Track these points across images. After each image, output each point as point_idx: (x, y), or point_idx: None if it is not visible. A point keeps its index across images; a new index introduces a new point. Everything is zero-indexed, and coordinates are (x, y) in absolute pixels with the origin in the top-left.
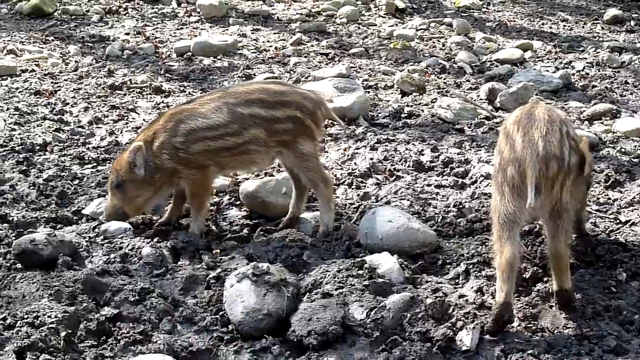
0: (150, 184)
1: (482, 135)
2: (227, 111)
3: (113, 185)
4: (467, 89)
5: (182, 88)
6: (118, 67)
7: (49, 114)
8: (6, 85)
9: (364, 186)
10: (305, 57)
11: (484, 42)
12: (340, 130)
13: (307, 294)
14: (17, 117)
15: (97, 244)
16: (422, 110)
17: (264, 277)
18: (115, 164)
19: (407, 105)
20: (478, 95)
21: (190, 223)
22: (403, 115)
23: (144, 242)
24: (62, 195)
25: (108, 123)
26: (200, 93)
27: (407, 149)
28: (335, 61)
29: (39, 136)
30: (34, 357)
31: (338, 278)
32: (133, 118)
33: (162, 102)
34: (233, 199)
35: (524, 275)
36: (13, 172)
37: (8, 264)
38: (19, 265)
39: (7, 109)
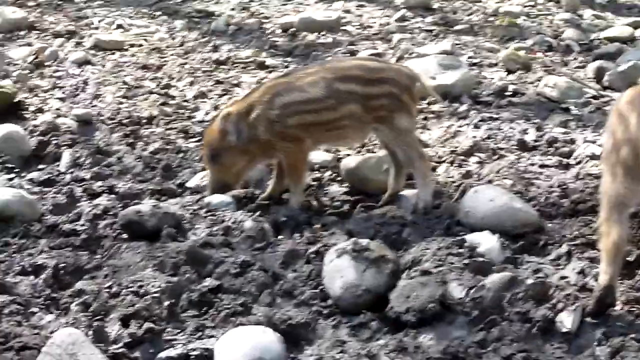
0: (245, 153)
1: (588, 115)
2: (324, 86)
3: (208, 158)
4: (574, 67)
5: (285, 64)
6: (223, 42)
7: (155, 88)
8: (114, 59)
9: (466, 165)
10: (409, 33)
11: (593, 20)
12: (443, 108)
13: (406, 271)
14: (125, 91)
15: (200, 217)
16: (527, 89)
17: (363, 253)
18: (205, 138)
19: (512, 84)
20: (585, 74)
21: (290, 197)
22: (507, 94)
23: (246, 216)
24: (167, 168)
25: (212, 98)
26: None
27: (510, 128)
28: (439, 38)
29: (146, 110)
30: (137, 325)
31: (437, 256)
32: (237, 93)
33: (266, 77)
34: (334, 174)
35: (628, 259)
36: (120, 145)
37: (114, 234)
38: (124, 236)
39: (115, 83)
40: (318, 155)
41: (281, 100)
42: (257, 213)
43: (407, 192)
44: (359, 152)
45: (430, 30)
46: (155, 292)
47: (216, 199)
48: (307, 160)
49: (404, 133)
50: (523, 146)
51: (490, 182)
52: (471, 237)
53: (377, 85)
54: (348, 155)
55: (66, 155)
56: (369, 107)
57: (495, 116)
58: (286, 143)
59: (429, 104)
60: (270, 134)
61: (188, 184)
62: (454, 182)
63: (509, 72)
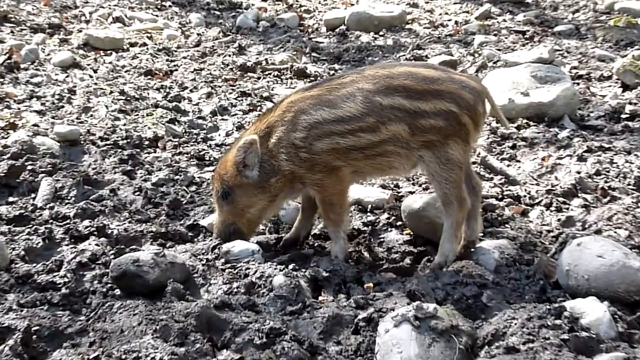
0: (265, 190)
1: None
2: (362, 100)
3: (218, 195)
4: None
5: (332, 71)
6: (251, 42)
7: (162, 100)
8: (110, 62)
9: (567, 208)
10: (495, 35)
11: None
12: (538, 133)
13: (486, 347)
14: (123, 104)
15: (217, 269)
16: None
17: (429, 321)
18: (217, 169)
19: (630, 103)
20: None
21: (330, 245)
22: (623, 116)
23: (275, 268)
24: (175, 205)
25: (236, 114)
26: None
27: (627, 161)
28: (534, 42)
29: (149, 128)
30: None
31: (528, 328)
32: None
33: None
34: (393, 218)
35: None
36: (115, 173)
37: (104, 289)
38: (117, 292)
39: (111, 93)
40: (371, 193)
41: (307, 120)
42: (291, 265)
43: (487, 243)
44: (426, 188)
45: (523, 32)
46: None
47: (238, 246)
48: (346, 195)
49: (451, 166)
50: None
51: (598, 232)
52: (572, 305)
53: (430, 99)
54: (411, 192)
55: (44, 185)
56: (418, 128)
57: (606, 145)
58: (316, 174)
59: (518, 127)
60: (295, 163)
61: (202, 224)
62: (550, 231)
63: (626, 87)
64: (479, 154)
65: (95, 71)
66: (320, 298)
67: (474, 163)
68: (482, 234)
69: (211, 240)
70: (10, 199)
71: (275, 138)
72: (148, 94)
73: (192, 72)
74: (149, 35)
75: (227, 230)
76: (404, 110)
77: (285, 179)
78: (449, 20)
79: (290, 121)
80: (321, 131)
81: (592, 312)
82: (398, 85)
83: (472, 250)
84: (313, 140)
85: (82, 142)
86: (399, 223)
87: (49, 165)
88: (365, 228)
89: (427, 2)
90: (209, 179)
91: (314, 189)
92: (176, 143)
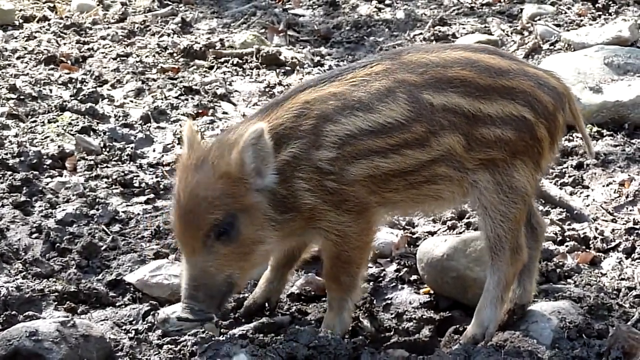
0: (279, 220)
1: None
2: (406, 98)
3: (208, 233)
4: None
5: (317, 58)
6: (200, 15)
7: (70, 100)
8: None
9: None
10: (553, 4)
11: None
12: (615, 146)
13: None
14: (14, 105)
15: (151, 345)
16: None
17: None
18: (196, 191)
19: None
20: None
21: (326, 313)
22: None
23: (235, 344)
24: (90, 252)
25: (178, 120)
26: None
27: None
28: (609, 14)
29: (52, 141)
30: None
31: None
32: (225, 113)
33: (279, 82)
34: (405, 270)
35: None
36: (3, 206)
37: None
38: None
39: None
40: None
41: (335, 132)
42: (258, 340)
43: (542, 305)
44: (452, 227)
45: (593, 0)
46: None
47: (179, 312)
48: (369, 250)
49: (515, 197)
50: None
51: None
52: None
53: (497, 99)
54: (431, 233)
55: None
56: (475, 140)
57: None
58: (343, 215)
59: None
60: (319, 196)
61: (128, 280)
62: (632, 288)
63: None
64: None
65: None
66: None
67: None
68: (534, 292)
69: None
70: None
71: (289, 155)
72: (51, 90)
73: (114, 59)
74: (51, 5)
75: (221, 290)
76: (460, 113)
77: (301, 218)
78: None
79: (312, 132)
80: (356, 148)
81: None
82: (453, 78)
83: (521, 317)
84: (345, 162)
85: None
86: (413, 277)
87: None
88: (366, 285)
89: None
90: (138, 213)
91: (331, 238)
92: (91, 162)
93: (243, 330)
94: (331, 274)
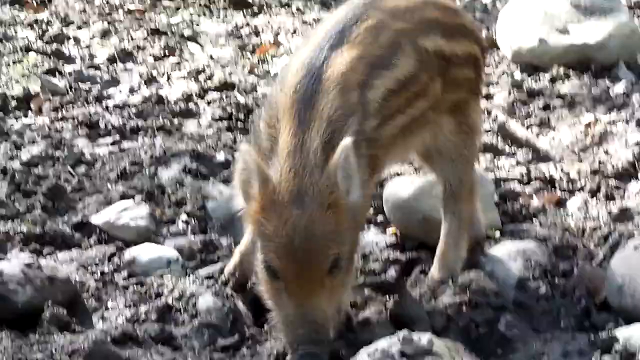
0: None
1: None
2: (412, 49)
3: (331, 269)
4: None
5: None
6: None
7: (35, 41)
8: None
9: (622, 196)
10: None
11: None
12: (582, 88)
13: None
14: None
15: (117, 286)
16: None
17: (422, 359)
18: (312, 219)
19: None
20: None
21: None
22: None
23: (202, 285)
24: (55, 194)
25: (145, 61)
26: None
27: None
28: None
29: (17, 82)
30: None
31: None
32: (191, 54)
33: (247, 24)
34: (371, 211)
35: None
36: None
37: None
38: None
39: None
40: None
41: (375, 95)
42: (226, 282)
43: (507, 247)
44: (419, 168)
45: None
46: None
47: (147, 252)
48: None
49: (474, 137)
50: None
51: None
52: (628, 334)
53: (460, 39)
54: (398, 174)
55: None
56: (448, 82)
57: None
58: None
59: (553, 80)
60: (365, 168)
61: (94, 222)
62: (597, 228)
63: None
64: (496, 117)
65: None
66: (265, 327)
67: (488, 131)
68: (499, 233)
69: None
70: None
71: (348, 133)
72: (16, 32)
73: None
74: None
75: (332, 329)
76: (441, 56)
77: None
78: None
79: (359, 103)
80: (388, 110)
81: None
82: (429, 20)
83: (483, 256)
84: (381, 127)
85: None
86: (379, 219)
87: None
88: None
89: None
90: (104, 155)
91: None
92: (57, 104)
93: (209, 271)
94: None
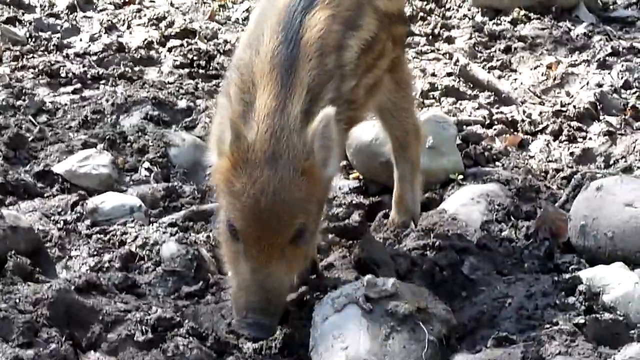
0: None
1: None
2: (371, 9)
3: (293, 237)
4: None
5: None
6: None
7: None
8: None
9: (584, 137)
10: None
11: None
12: (542, 30)
13: (468, 337)
14: None
15: (80, 235)
16: None
17: (386, 303)
18: (282, 183)
19: None
20: None
21: None
22: None
23: (165, 232)
24: (16, 143)
25: (105, 9)
26: None
27: None
28: None
29: None
30: None
31: (527, 310)
32: (152, 1)
33: None
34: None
35: None
36: None
37: None
38: None
39: None
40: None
41: (349, 56)
42: (188, 228)
43: (470, 189)
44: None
45: None
46: None
47: (109, 200)
48: None
49: (409, 90)
50: None
51: (627, 170)
52: (590, 275)
53: None
54: None
55: None
56: (393, 40)
57: (639, 46)
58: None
59: (514, 22)
60: (345, 131)
61: (57, 171)
62: (559, 170)
63: None
64: (457, 61)
65: None
66: (228, 274)
67: (450, 75)
68: (462, 176)
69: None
70: None
71: (329, 100)
72: None
73: None
74: None
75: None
76: (389, 15)
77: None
78: None
79: (336, 66)
80: (360, 70)
81: (619, 284)
82: None
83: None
84: (357, 87)
85: None
86: (342, 163)
87: None
88: None
89: None
90: (65, 103)
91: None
92: (17, 53)
93: (172, 218)
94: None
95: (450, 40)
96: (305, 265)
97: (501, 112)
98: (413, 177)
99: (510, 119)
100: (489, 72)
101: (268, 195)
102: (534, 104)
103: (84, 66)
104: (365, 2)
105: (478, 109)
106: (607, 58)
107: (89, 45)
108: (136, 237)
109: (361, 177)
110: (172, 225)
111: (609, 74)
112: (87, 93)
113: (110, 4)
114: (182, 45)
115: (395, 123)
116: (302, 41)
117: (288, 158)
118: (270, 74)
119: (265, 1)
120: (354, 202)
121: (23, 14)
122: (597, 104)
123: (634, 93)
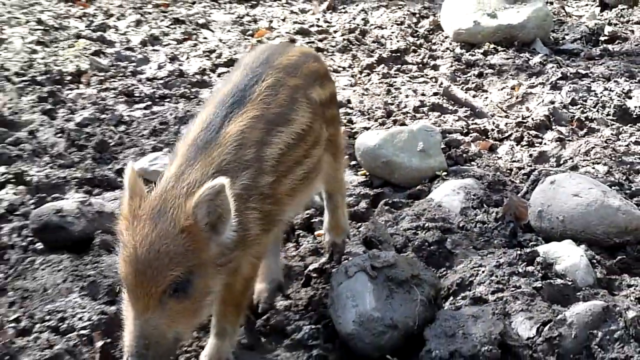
0: (225, 262)
1: None
2: (306, 102)
3: (167, 289)
4: None
5: None
6: None
7: (84, 30)
8: None
9: (540, 143)
10: None
11: None
12: (507, 59)
13: (451, 297)
14: (41, 34)
15: None
16: (632, 32)
17: (387, 271)
18: (160, 237)
19: (609, 24)
20: None
21: (214, 340)
22: (602, 39)
23: None
24: (102, 147)
25: (169, 44)
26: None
27: (606, 89)
28: None
29: (71, 62)
30: None
31: (496, 276)
32: (205, 38)
33: (247, 14)
34: (346, 157)
35: None
36: (34, 113)
37: (24, 243)
38: (39, 245)
39: (27, 23)
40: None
41: (272, 152)
42: None
43: (452, 183)
44: (382, 123)
45: None
46: (83, 328)
47: None
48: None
49: (341, 161)
50: (624, 116)
51: (574, 168)
52: (546, 249)
53: (327, 84)
54: (366, 128)
55: None
56: (327, 122)
57: (583, 72)
58: (264, 235)
59: (485, 53)
60: (262, 220)
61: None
62: (521, 168)
63: (605, 6)
64: (442, 83)
65: None
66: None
67: (435, 94)
68: (445, 173)
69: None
70: None
71: (240, 187)
72: (69, 22)
73: None
74: None
75: (169, 348)
76: (322, 103)
77: (243, 251)
78: None
79: (255, 160)
80: (285, 165)
81: (568, 256)
82: (311, 72)
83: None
84: (279, 182)
85: None
86: (352, 163)
87: None
88: None
89: None
90: (139, 117)
91: (252, 262)
92: (102, 78)
93: None
94: (236, 298)
95: (435, 67)
96: (199, 320)
97: (475, 123)
98: (343, 204)
99: (482, 128)
100: (466, 92)
101: (145, 246)
102: (501, 116)
103: (153, 88)
104: (299, 96)
105: (458, 120)
106: (557, 81)
107: (157, 72)
108: None
109: (367, 173)
110: None
111: (559, 93)
112: (155, 109)
113: (173, 40)
114: (228, 71)
115: (331, 184)
116: (222, 131)
117: (170, 216)
118: (187, 150)
119: (208, 100)
120: (361, 193)
121: (106, 47)
122: (550, 117)
123: (579, 108)
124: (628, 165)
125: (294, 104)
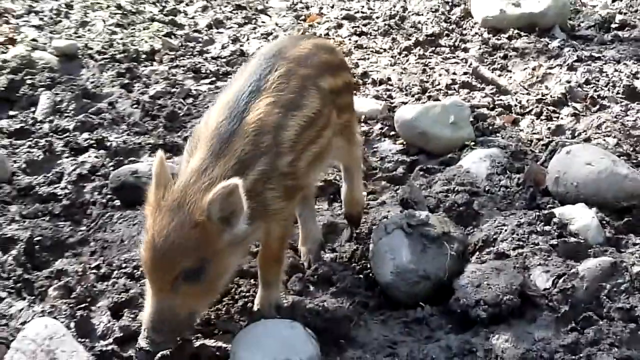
0: (243, 239)
1: None
2: (315, 90)
3: (179, 276)
4: None
5: None
6: None
7: (158, 14)
8: None
9: (557, 117)
10: None
11: None
12: (529, 43)
13: (477, 252)
14: (119, 18)
15: None
16: None
17: (421, 228)
18: (175, 229)
19: (620, 13)
20: None
21: (261, 292)
22: (613, 26)
23: None
24: (172, 117)
25: (231, 27)
26: None
27: (616, 70)
28: None
29: (146, 42)
30: (132, 315)
31: (517, 234)
32: (263, 22)
33: (300, 1)
34: (386, 128)
35: None
36: (113, 86)
37: (104, 200)
38: (117, 202)
39: (107, 7)
40: (365, 103)
41: (288, 135)
42: None
43: (479, 152)
44: (418, 99)
45: None
46: None
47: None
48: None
49: (356, 147)
50: (632, 94)
51: (587, 140)
52: (561, 211)
53: (340, 74)
54: (404, 103)
55: (44, 99)
56: (339, 109)
57: (596, 55)
58: (288, 202)
59: (509, 38)
60: (282, 196)
61: None
62: (540, 139)
63: None
64: (471, 64)
65: None
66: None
67: (465, 74)
68: (473, 143)
69: None
70: (11, 112)
71: (258, 172)
72: (144, 8)
73: None
74: None
75: (183, 325)
76: (334, 91)
77: (263, 223)
78: None
79: (272, 144)
80: (302, 144)
81: (581, 218)
82: (323, 63)
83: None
84: (298, 159)
85: (80, 57)
86: (392, 133)
87: (47, 80)
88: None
89: None
90: (204, 91)
91: (280, 225)
92: (173, 56)
93: None
94: (275, 255)
95: (465, 50)
96: (215, 297)
97: (500, 100)
98: (359, 177)
99: (507, 104)
100: (492, 72)
101: (162, 237)
102: (523, 94)
103: (217, 65)
104: (309, 84)
105: (485, 97)
106: (573, 63)
107: (221, 52)
108: None
109: (404, 142)
110: None
111: (574, 74)
112: (219, 84)
113: (235, 24)
114: None
115: (347, 158)
116: (244, 121)
117: (187, 210)
118: (209, 142)
119: (227, 86)
120: (399, 160)
121: (177, 30)
122: (567, 94)
123: (592, 87)
124: (635, 138)
125: (303, 92)
